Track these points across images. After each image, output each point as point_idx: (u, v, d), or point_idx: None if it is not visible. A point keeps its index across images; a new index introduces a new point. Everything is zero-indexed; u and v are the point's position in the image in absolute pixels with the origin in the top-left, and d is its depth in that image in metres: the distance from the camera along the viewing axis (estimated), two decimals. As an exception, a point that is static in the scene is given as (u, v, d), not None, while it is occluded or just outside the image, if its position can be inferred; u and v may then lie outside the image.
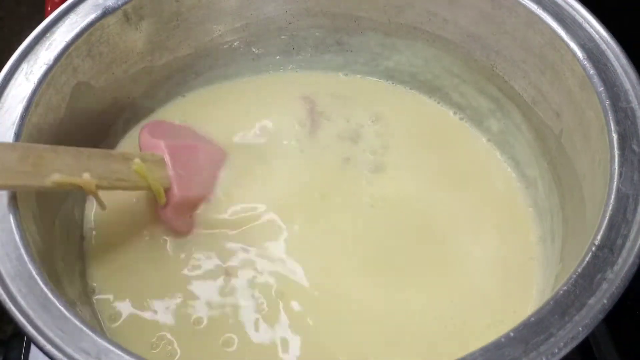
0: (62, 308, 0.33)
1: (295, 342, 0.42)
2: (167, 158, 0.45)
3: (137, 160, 0.42)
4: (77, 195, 0.46)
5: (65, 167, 0.38)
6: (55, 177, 0.37)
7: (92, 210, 0.48)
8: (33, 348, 0.48)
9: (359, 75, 0.56)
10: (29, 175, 0.36)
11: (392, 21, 0.52)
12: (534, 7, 0.44)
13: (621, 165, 0.37)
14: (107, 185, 0.40)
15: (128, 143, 0.51)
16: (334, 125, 0.52)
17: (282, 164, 0.50)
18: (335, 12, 0.52)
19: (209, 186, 0.48)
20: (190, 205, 0.46)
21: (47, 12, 0.61)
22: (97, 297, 0.44)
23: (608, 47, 0.41)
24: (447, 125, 0.53)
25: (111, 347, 0.32)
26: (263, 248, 0.45)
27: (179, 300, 0.43)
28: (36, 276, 0.34)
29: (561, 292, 0.33)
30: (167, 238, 0.46)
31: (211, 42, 0.52)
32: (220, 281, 0.44)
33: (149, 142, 0.46)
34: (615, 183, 0.36)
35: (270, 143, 0.51)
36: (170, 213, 0.45)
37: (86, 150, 0.40)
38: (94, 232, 0.47)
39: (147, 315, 0.43)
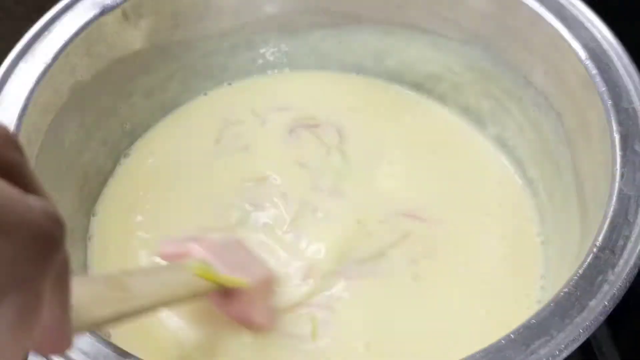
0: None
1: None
2: (209, 256, 0.39)
3: (194, 262, 0.38)
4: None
5: (146, 286, 0.34)
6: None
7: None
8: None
9: (359, 75, 0.55)
10: (124, 300, 0.32)
11: (393, 20, 0.51)
12: (537, 7, 0.44)
13: (623, 166, 0.37)
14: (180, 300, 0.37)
15: (128, 143, 0.51)
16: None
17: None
18: (336, 11, 0.52)
19: (264, 268, 0.43)
20: (264, 292, 0.42)
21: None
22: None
23: (611, 47, 0.41)
24: (447, 126, 0.53)
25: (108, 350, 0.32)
26: None
27: None
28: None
29: (562, 293, 0.33)
30: None
31: (211, 41, 0.52)
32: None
33: (176, 250, 0.40)
34: (617, 184, 0.36)
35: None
36: (248, 304, 0.40)
37: (149, 269, 0.37)
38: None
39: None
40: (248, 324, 0.41)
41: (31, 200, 0.17)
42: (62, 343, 0.21)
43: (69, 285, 0.20)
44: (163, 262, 0.41)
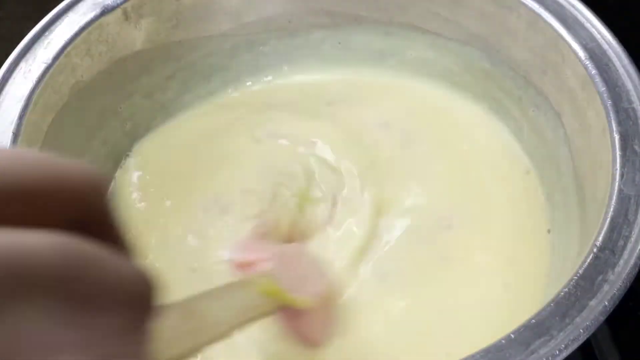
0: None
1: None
2: (276, 268, 0.38)
3: (262, 280, 0.36)
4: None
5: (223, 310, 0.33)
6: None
7: None
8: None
9: (359, 75, 0.55)
10: (200, 330, 0.30)
11: (393, 21, 0.52)
12: (536, 7, 0.44)
13: (623, 166, 0.37)
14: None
15: (129, 143, 0.51)
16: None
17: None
18: (336, 11, 0.52)
19: (327, 283, 0.42)
20: (325, 309, 0.41)
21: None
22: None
23: (610, 47, 0.41)
24: (446, 126, 0.53)
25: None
26: None
27: None
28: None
29: (562, 293, 0.33)
30: None
31: (211, 42, 0.52)
32: None
33: (247, 257, 0.39)
34: (616, 184, 0.36)
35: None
36: (307, 321, 0.39)
37: (219, 291, 0.34)
38: None
39: None
40: (303, 339, 0.40)
41: (125, 265, 0.16)
42: None
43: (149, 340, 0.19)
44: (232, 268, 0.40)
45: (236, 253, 0.40)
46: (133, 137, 0.51)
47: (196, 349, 0.29)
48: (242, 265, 0.39)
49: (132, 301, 0.16)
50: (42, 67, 0.42)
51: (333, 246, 0.45)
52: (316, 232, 0.45)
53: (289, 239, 0.45)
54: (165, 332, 0.26)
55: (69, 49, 0.43)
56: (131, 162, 0.51)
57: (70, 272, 0.15)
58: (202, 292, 0.31)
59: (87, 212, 0.17)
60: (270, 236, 0.45)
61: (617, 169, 0.37)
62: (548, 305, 0.33)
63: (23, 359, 0.13)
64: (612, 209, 0.35)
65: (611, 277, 0.33)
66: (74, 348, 0.15)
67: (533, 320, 0.32)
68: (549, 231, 0.46)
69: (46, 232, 0.15)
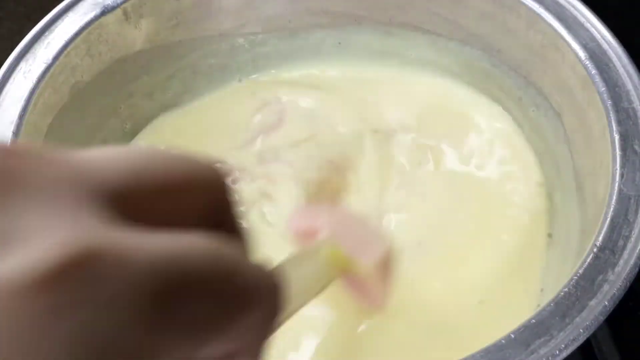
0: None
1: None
2: (337, 233, 0.37)
3: (327, 247, 0.35)
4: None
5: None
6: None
7: None
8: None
9: (359, 76, 0.55)
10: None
11: (392, 21, 0.52)
12: (536, 7, 0.44)
13: (623, 166, 0.37)
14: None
15: (129, 143, 0.51)
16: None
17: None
18: (336, 11, 0.52)
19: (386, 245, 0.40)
20: (384, 271, 0.40)
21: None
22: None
23: (610, 47, 0.41)
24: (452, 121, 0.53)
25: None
26: None
27: None
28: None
29: (562, 293, 0.33)
30: None
31: (211, 42, 0.52)
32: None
33: (309, 225, 0.38)
34: (616, 184, 0.36)
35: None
36: (367, 284, 0.38)
37: (290, 262, 0.32)
38: None
39: None
40: (367, 303, 0.40)
41: (257, 266, 0.17)
42: None
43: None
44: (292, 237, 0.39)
45: (294, 223, 0.40)
46: (133, 137, 0.51)
47: (282, 322, 0.26)
48: (302, 235, 0.38)
49: (266, 303, 0.17)
50: (42, 67, 0.42)
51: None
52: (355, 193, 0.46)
53: (334, 200, 0.45)
54: None
55: (69, 49, 0.43)
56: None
57: (218, 277, 0.15)
58: (278, 267, 0.29)
59: (215, 207, 0.17)
60: (320, 200, 0.45)
61: (617, 169, 0.37)
62: (548, 305, 0.33)
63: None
64: (612, 209, 0.35)
65: (611, 277, 0.33)
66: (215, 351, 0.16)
67: (533, 320, 0.32)
68: (549, 235, 0.46)
69: (195, 234, 0.15)
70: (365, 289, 0.38)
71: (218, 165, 0.18)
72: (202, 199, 0.17)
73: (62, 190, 0.14)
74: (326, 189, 0.46)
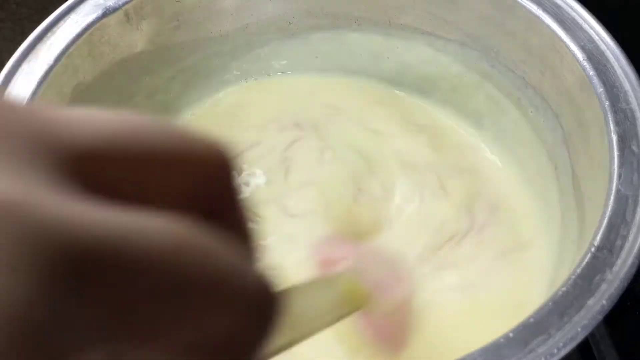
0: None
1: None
2: (361, 266, 0.36)
3: (346, 278, 0.33)
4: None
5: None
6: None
7: None
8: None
9: (359, 77, 0.56)
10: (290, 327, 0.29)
11: (392, 22, 0.52)
12: (534, 8, 0.44)
13: (620, 166, 0.37)
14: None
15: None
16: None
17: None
18: (336, 13, 0.52)
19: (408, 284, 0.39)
20: (405, 313, 0.38)
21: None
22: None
23: (608, 49, 0.41)
24: (445, 126, 0.53)
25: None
26: None
27: None
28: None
29: (560, 293, 0.33)
30: None
31: (212, 43, 0.52)
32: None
33: (331, 256, 0.38)
34: (614, 184, 0.36)
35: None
36: (390, 325, 0.37)
37: (304, 288, 0.30)
38: None
39: None
40: (384, 344, 0.38)
41: (246, 269, 0.14)
42: None
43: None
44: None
45: (318, 251, 0.38)
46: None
47: (285, 347, 0.25)
48: (324, 263, 0.38)
49: (250, 315, 0.14)
50: (45, 68, 0.42)
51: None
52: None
53: (359, 237, 0.43)
54: None
55: (71, 50, 0.43)
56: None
57: (178, 270, 0.13)
58: (288, 288, 0.28)
59: (209, 193, 0.15)
60: (346, 234, 0.42)
61: (614, 169, 0.37)
62: (546, 304, 0.33)
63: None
64: (610, 209, 0.36)
65: (609, 276, 0.33)
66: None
67: (531, 319, 0.32)
68: (548, 234, 0.46)
69: (166, 216, 0.13)
70: (383, 330, 0.37)
71: (223, 146, 0.16)
72: (191, 179, 0.15)
73: (18, 146, 0.13)
74: (356, 221, 0.43)
